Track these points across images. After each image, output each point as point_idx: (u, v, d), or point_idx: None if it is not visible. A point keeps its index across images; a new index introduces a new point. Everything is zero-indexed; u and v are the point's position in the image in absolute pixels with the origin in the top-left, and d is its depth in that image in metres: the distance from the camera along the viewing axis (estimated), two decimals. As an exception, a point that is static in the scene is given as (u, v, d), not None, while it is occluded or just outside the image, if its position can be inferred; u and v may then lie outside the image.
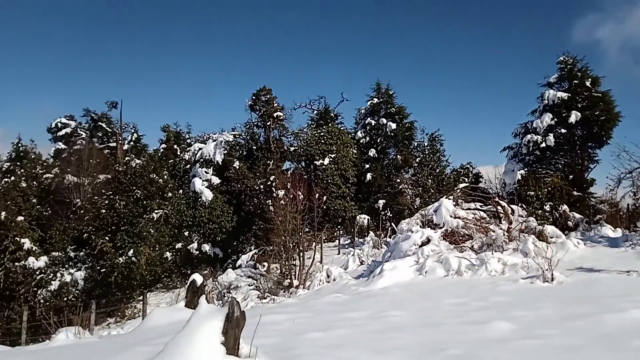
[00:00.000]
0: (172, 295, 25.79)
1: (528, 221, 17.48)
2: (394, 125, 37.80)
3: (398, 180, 36.41)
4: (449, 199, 18.48)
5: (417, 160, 36.85)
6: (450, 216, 17.11)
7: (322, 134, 35.99)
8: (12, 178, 32.47)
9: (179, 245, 29.47)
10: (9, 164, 40.04)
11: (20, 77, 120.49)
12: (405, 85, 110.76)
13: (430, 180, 34.38)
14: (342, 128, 39.61)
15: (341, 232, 31.52)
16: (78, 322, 10.46)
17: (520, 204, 20.39)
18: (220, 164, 32.63)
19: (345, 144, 35.91)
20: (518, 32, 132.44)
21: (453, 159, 67.54)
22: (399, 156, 37.91)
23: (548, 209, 21.70)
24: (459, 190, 20.39)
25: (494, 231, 16.23)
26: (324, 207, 32.02)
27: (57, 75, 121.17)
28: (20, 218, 25.68)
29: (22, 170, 33.72)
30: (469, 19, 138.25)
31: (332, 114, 43.15)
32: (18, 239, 24.75)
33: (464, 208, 18.73)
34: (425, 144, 37.56)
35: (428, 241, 15.87)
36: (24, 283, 23.89)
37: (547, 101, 25.91)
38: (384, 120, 38.32)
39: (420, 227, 17.38)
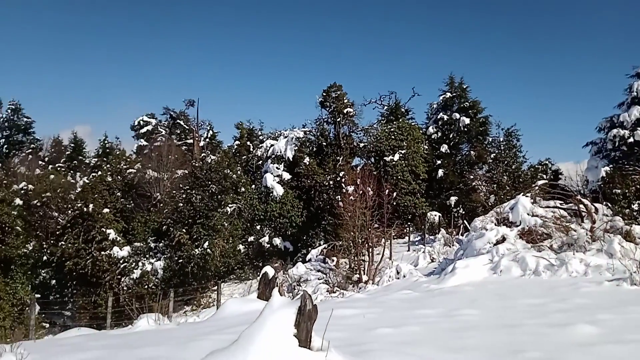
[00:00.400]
0: (245, 286, 26.55)
1: (614, 220, 16.37)
2: (467, 120, 36.71)
3: (471, 177, 35.33)
4: (526, 196, 17.68)
5: (491, 156, 35.56)
6: (528, 214, 16.38)
7: (392, 129, 35.60)
8: (99, 173, 34.71)
9: (251, 239, 30.30)
10: (96, 159, 42.92)
11: (105, 76, 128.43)
12: (480, 79, 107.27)
13: (505, 177, 33.06)
14: (413, 123, 38.97)
15: (411, 228, 31.05)
16: (158, 309, 11.00)
17: (605, 203, 19.15)
18: (291, 160, 33.17)
19: (416, 139, 35.32)
20: (602, 20, 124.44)
21: (530, 155, 64.69)
22: (472, 152, 36.77)
23: (636, 208, 20.24)
24: (537, 188, 19.45)
25: (575, 230, 15.34)
26: (394, 203, 31.63)
27: (140, 75, 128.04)
28: (106, 210, 27.41)
29: (108, 166, 35.88)
30: (546, 8, 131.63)
31: (402, 109, 42.63)
32: (104, 229, 26.45)
33: (543, 206, 17.85)
34: (501, 139, 36.15)
35: (503, 239, 15.28)
36: (109, 271, 25.51)
37: (636, 93, 24.20)
38: (457, 115, 37.31)
39: (495, 225, 16.76)
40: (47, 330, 23.83)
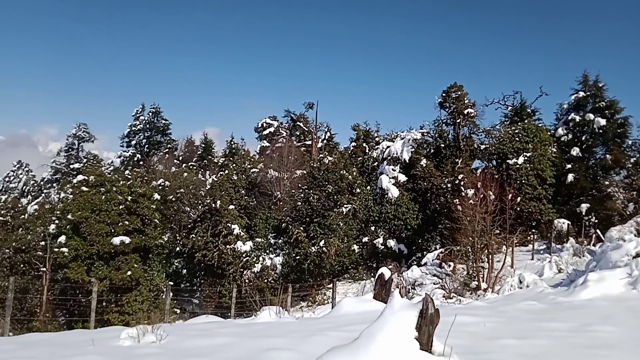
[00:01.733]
0: (358, 286, 26.79)
1: None
2: (603, 121, 33.59)
3: (606, 183, 32.35)
4: (674, 205, 15.84)
5: (631, 160, 32.28)
6: (676, 225, 14.65)
7: (516, 131, 33.74)
8: (226, 171, 37.05)
9: (365, 239, 30.51)
10: (223, 159, 45.91)
11: (232, 82, 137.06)
12: (620, 77, 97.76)
13: (647, 183, 29.85)
14: (539, 125, 36.56)
15: (535, 236, 29.18)
16: (278, 303, 11.53)
17: None
18: (407, 161, 32.82)
19: (543, 141, 33.11)
20: None
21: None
22: (608, 156, 33.59)
23: None
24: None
25: None
26: (517, 209, 30.00)
27: (264, 79, 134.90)
28: (231, 207, 29.21)
29: (234, 165, 38.20)
30: None
31: (528, 110, 40.20)
32: (229, 224, 28.21)
33: (695, 217, 15.86)
34: (643, 142, 32.67)
35: (645, 253, 13.82)
36: (233, 264, 27.16)
37: None
38: (591, 116, 34.31)
39: (635, 235, 15.22)
40: (178, 315, 26.02)
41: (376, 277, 11.75)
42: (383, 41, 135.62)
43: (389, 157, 33.39)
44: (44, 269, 24.36)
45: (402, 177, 32.33)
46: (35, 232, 26.61)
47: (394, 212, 30.69)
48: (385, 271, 11.61)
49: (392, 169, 32.68)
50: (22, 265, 25.60)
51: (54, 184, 56.06)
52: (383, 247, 30.10)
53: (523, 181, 31.33)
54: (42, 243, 25.48)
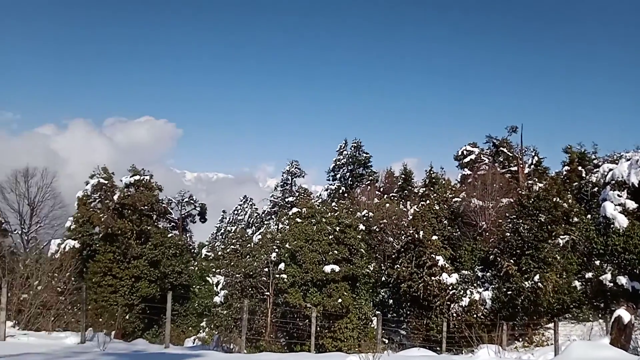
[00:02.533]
0: (583, 328, 23.95)
1: None
2: None
3: None
4: None
5: None
6: None
7: None
8: (427, 202, 36.86)
9: (589, 275, 27.18)
10: (424, 189, 45.88)
11: (429, 111, 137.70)
12: None
13: None
14: None
15: None
16: (497, 341, 10.94)
17: None
18: (637, 186, 28.56)
19: None
20: None
21: None
22: None
23: None
24: None
25: None
26: None
27: (461, 107, 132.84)
28: (434, 237, 28.88)
29: (435, 195, 37.84)
30: None
31: None
32: (433, 255, 27.88)
33: None
34: None
35: None
36: (439, 296, 26.65)
37: None
38: None
39: None
40: (386, 345, 26.41)
41: (612, 319, 10.38)
42: (593, 56, 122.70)
43: (613, 182, 29.48)
44: (268, 293, 27.12)
45: (632, 204, 28.12)
46: (260, 259, 29.89)
47: (623, 245, 26.75)
48: (623, 313, 10.22)
49: (618, 195, 28.72)
50: (250, 289, 28.91)
51: (273, 216, 62.65)
52: (612, 284, 26.30)
53: None
54: (266, 269, 28.46)
